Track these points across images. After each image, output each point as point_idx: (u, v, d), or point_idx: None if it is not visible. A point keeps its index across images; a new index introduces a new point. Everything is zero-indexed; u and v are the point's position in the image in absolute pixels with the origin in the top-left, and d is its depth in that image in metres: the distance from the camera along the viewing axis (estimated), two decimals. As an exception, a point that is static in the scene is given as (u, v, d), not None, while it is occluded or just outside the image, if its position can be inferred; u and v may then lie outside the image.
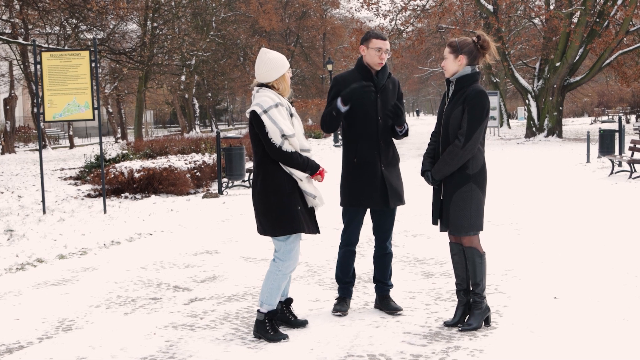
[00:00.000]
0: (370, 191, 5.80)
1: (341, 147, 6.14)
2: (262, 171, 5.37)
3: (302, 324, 5.69)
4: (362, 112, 5.81)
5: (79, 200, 14.48)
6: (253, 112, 5.30)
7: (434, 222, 5.59)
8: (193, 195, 15.10)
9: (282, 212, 5.30)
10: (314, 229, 5.52)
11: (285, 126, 5.28)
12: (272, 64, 5.42)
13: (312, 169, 5.40)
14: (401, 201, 5.94)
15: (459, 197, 5.35)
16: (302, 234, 5.47)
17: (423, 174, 5.55)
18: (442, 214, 5.50)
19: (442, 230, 5.56)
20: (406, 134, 5.98)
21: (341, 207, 6.03)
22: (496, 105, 38.81)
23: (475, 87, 5.35)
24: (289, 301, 5.73)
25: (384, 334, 5.42)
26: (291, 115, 5.44)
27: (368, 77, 5.85)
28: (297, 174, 5.35)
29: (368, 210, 6.00)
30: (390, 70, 6.12)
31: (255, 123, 5.29)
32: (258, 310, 5.44)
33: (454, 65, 5.43)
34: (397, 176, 5.93)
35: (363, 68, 5.89)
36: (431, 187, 5.62)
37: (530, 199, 12.84)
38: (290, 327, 5.65)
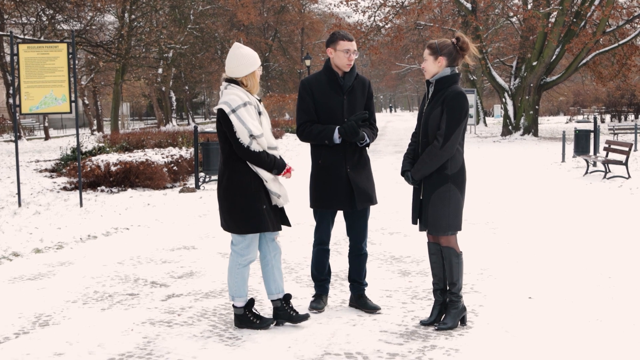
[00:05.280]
0: (336, 193, 5.81)
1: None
2: (229, 169, 5.39)
3: (305, 317, 5.61)
4: (328, 114, 5.80)
5: (55, 193, 14.38)
6: (221, 111, 5.31)
7: (414, 222, 5.64)
8: (170, 190, 15.05)
9: (247, 211, 5.35)
10: (278, 225, 5.56)
11: (254, 126, 5.29)
12: (243, 59, 5.42)
13: (279, 168, 5.44)
14: (371, 202, 5.95)
15: (437, 197, 5.40)
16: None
17: (403, 174, 5.59)
18: (421, 214, 5.55)
19: (421, 229, 5.61)
20: (368, 145, 5.89)
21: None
22: (473, 103, 39.03)
23: (455, 89, 5.40)
24: (287, 297, 5.66)
25: (360, 333, 5.46)
26: (259, 113, 5.45)
27: (333, 79, 5.84)
28: (264, 175, 5.38)
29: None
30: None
31: (223, 122, 5.31)
32: (233, 306, 5.47)
33: (433, 67, 5.47)
34: (366, 177, 5.92)
35: (330, 70, 5.88)
36: (409, 186, 5.66)
37: (506, 198, 12.95)
38: (293, 323, 5.60)
